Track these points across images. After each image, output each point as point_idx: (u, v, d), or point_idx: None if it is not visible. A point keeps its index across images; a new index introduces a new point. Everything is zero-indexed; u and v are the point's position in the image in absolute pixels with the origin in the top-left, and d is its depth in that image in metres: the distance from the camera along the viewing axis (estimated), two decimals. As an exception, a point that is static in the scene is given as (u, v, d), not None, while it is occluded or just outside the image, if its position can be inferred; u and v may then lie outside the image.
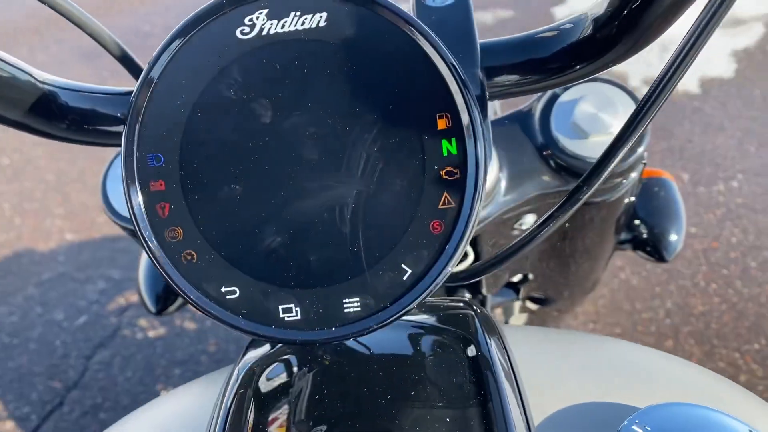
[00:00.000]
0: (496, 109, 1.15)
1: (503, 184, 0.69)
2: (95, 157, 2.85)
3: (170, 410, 0.54)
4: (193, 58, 0.37)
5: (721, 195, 2.62)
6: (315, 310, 0.37)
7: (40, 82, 0.46)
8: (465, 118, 0.36)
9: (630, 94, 0.71)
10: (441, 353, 0.47)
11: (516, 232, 0.76)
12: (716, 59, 3.41)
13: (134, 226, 0.37)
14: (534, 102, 0.73)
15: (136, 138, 0.37)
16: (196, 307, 0.38)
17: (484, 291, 0.87)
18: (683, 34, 0.38)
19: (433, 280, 0.37)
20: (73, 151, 2.89)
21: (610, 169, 0.44)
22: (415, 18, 0.36)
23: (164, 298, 1.01)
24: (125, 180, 0.37)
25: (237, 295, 0.38)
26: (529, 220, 0.75)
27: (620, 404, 0.49)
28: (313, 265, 0.37)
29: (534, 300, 1.04)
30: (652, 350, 0.56)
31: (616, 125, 0.67)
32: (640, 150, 0.70)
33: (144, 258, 1.08)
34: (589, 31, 0.43)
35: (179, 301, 1.04)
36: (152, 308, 1.01)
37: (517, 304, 1.06)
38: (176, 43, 0.37)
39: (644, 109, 0.41)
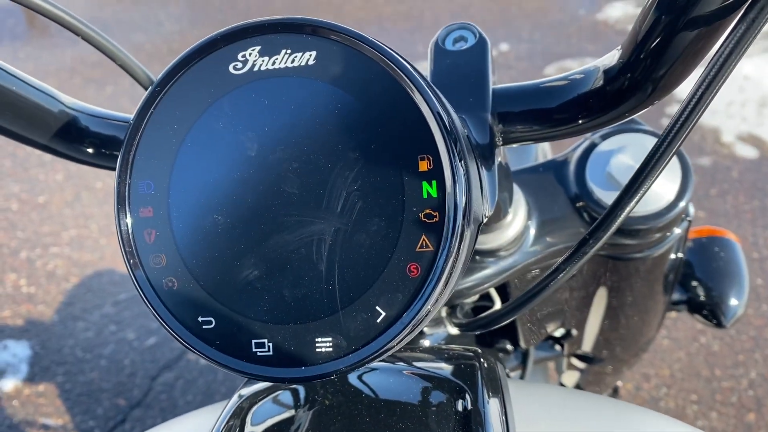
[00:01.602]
0: (545, 151, 1.12)
1: (532, 232, 0.67)
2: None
3: None
4: (187, 91, 0.38)
5: (818, 260, 2.45)
6: (287, 348, 0.37)
7: (66, 106, 0.48)
8: (446, 161, 0.35)
9: None
10: (434, 402, 0.46)
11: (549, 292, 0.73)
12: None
13: (121, 248, 0.39)
14: (570, 151, 0.71)
15: (130, 164, 0.39)
16: (171, 334, 0.38)
17: (522, 343, 0.84)
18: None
19: (406, 325, 0.35)
20: (160, 178, 3.04)
21: (618, 223, 0.42)
22: (404, 61, 0.36)
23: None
24: (116, 204, 0.38)
25: (212, 325, 0.38)
26: None
27: None
28: (288, 301, 0.37)
29: (580, 358, 0.99)
30: (684, 425, 0.52)
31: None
32: (682, 204, 0.66)
33: None
34: (600, 83, 0.42)
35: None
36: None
37: (564, 361, 1.01)
38: (173, 76, 0.38)
39: (651, 162, 0.39)
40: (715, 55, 0.35)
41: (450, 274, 0.35)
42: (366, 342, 0.36)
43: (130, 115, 0.50)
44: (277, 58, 0.37)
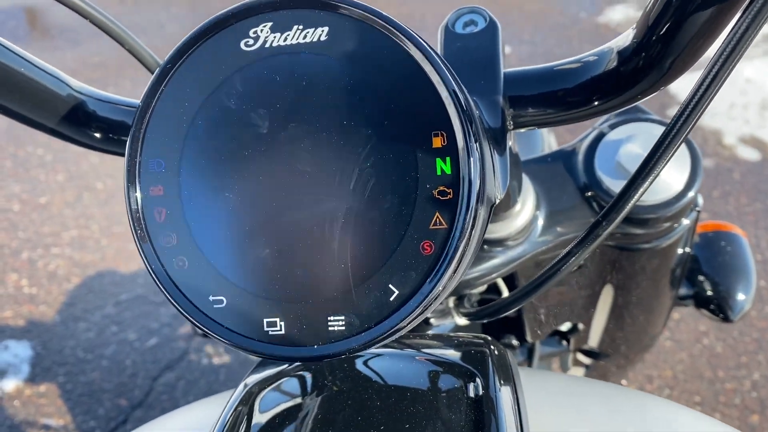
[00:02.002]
0: (551, 143, 1.12)
1: (540, 222, 0.66)
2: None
3: (181, 423, 0.55)
4: (198, 68, 0.38)
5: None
6: (299, 326, 0.36)
7: (74, 90, 0.48)
8: (460, 137, 0.34)
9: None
10: (446, 388, 0.45)
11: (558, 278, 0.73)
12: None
13: (131, 227, 0.38)
14: (579, 140, 0.71)
15: (140, 142, 0.38)
16: (182, 314, 0.38)
17: (528, 338, 0.83)
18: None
19: (420, 303, 0.35)
20: (161, 179, 3.04)
21: (633, 202, 0.41)
22: (419, 37, 0.36)
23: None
24: (126, 182, 0.38)
25: (224, 305, 0.37)
26: None
27: None
28: (300, 279, 0.36)
29: (586, 353, 0.99)
30: (691, 411, 0.51)
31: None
32: (691, 194, 0.66)
33: None
34: (613, 65, 0.42)
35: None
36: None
37: (570, 356, 1.01)
38: (183, 54, 0.38)
39: (662, 145, 0.39)
40: (728, 36, 0.34)
41: (464, 252, 0.35)
42: (379, 320, 0.36)
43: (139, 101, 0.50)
44: (288, 34, 0.37)
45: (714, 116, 3.28)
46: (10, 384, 2.17)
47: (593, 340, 0.92)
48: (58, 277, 2.58)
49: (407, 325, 0.35)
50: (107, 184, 3.05)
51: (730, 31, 0.34)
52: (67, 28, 4.60)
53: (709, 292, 0.87)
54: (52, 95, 0.47)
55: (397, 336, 0.36)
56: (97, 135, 0.49)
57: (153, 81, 0.38)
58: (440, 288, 0.35)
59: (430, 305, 0.35)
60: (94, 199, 2.98)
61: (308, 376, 0.48)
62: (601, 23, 4.33)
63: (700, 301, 0.88)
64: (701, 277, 0.88)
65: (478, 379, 0.45)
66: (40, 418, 2.07)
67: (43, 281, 2.57)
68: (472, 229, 0.35)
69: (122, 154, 0.50)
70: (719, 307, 0.87)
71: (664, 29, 0.38)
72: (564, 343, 0.95)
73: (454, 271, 0.35)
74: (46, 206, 2.95)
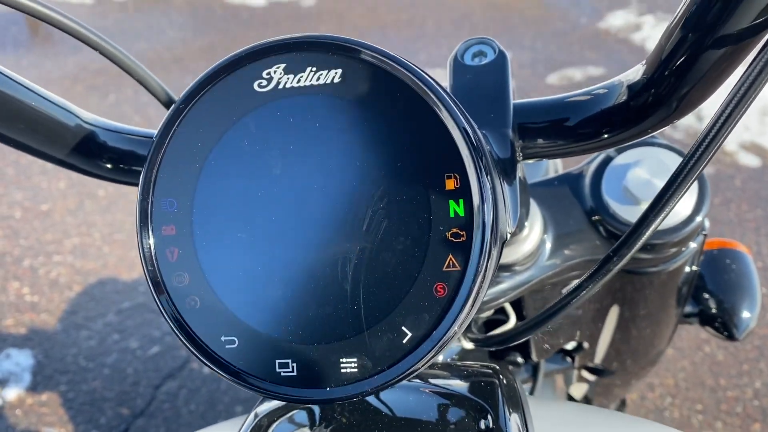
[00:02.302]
0: (557, 164, 1.12)
1: (548, 246, 0.66)
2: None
3: None
4: (212, 108, 0.38)
5: (822, 270, 2.45)
6: (311, 368, 0.37)
7: (84, 122, 0.48)
8: (474, 181, 0.35)
9: None
10: (455, 420, 0.45)
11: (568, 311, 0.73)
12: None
13: (143, 267, 0.38)
14: (586, 164, 0.71)
15: (153, 182, 0.38)
16: (194, 354, 0.38)
17: (533, 357, 0.83)
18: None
19: (434, 346, 0.35)
20: (163, 186, 3.04)
21: (642, 241, 0.41)
22: (430, 78, 0.36)
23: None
24: (139, 222, 0.38)
25: (236, 345, 0.37)
26: None
27: None
28: (313, 320, 0.36)
29: (590, 370, 0.99)
30: None
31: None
32: (699, 219, 0.66)
33: None
34: (623, 98, 0.42)
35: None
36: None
37: (575, 374, 1.01)
38: (197, 93, 0.38)
39: (677, 180, 0.39)
40: (743, 75, 0.34)
41: (477, 293, 0.35)
42: (392, 363, 0.36)
43: (149, 130, 0.50)
44: (302, 76, 0.37)
45: (715, 122, 3.29)
46: (12, 393, 2.17)
47: (598, 357, 0.92)
48: (59, 285, 2.58)
49: (421, 367, 0.36)
50: (109, 192, 3.05)
51: (747, 68, 0.34)
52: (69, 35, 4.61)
53: (714, 310, 0.87)
54: (61, 127, 0.47)
55: (410, 378, 0.36)
56: (108, 166, 0.49)
57: (166, 121, 0.38)
58: (454, 329, 0.35)
59: (445, 346, 0.35)
60: (96, 206, 2.98)
61: (318, 408, 0.48)
62: (602, 29, 4.34)
63: (705, 319, 0.88)
64: (706, 295, 0.88)
65: (488, 413, 0.45)
66: (41, 427, 2.07)
67: (44, 289, 2.57)
68: (486, 270, 0.35)
69: (132, 184, 0.50)
70: (724, 325, 0.87)
71: (677, 65, 0.38)
72: (568, 360, 0.95)
73: (468, 312, 0.35)
74: (48, 214, 2.95)
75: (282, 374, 0.37)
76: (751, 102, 0.35)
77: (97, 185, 3.09)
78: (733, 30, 0.34)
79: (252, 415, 0.49)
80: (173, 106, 0.38)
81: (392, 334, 0.36)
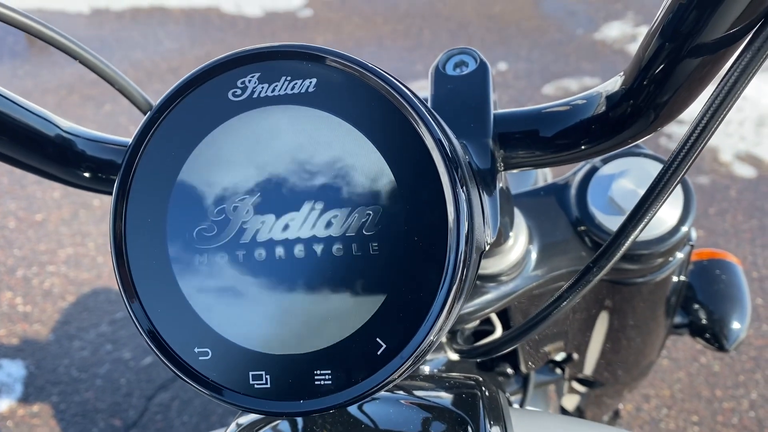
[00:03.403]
0: (546, 174, 1.12)
1: (533, 256, 0.66)
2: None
3: None
4: (187, 116, 0.38)
5: (818, 278, 2.45)
6: (285, 380, 0.36)
7: (62, 130, 0.48)
8: (448, 191, 0.34)
9: None
10: (435, 434, 0.45)
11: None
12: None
13: (115, 274, 0.38)
14: (572, 174, 0.71)
15: (127, 189, 0.38)
16: (166, 365, 0.37)
17: (522, 368, 0.83)
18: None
19: (408, 357, 0.35)
20: (158, 196, 3.04)
21: (622, 251, 0.41)
22: (404, 87, 0.36)
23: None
24: (112, 230, 0.38)
25: (209, 356, 0.37)
26: None
27: None
28: (287, 331, 0.36)
29: (581, 381, 0.98)
30: None
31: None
32: (684, 229, 0.66)
33: None
34: (602, 109, 0.42)
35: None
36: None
37: (565, 385, 1.00)
38: (172, 101, 0.38)
39: (656, 189, 0.38)
40: (720, 83, 0.34)
41: (453, 303, 0.34)
42: (366, 375, 0.35)
43: (128, 139, 0.50)
44: (276, 85, 0.37)
45: (710, 133, 3.29)
46: (3, 404, 2.16)
47: (588, 368, 0.91)
48: (53, 295, 2.57)
49: (396, 378, 0.35)
50: (104, 201, 3.05)
51: (724, 77, 0.34)
52: (65, 44, 4.62)
53: (704, 321, 0.87)
54: (39, 136, 0.47)
55: (385, 389, 0.36)
56: (86, 175, 0.49)
57: (141, 128, 0.38)
58: (430, 339, 0.34)
59: (420, 358, 0.35)
60: (91, 216, 2.97)
61: (299, 419, 0.47)
62: (598, 40, 4.36)
63: (695, 330, 0.88)
64: (696, 306, 0.88)
65: (468, 425, 0.44)
66: (33, 439, 2.06)
67: (37, 299, 2.56)
68: (461, 281, 0.34)
69: (110, 193, 0.50)
70: (714, 336, 0.86)
71: (655, 75, 0.38)
72: (558, 371, 0.95)
73: (443, 323, 0.35)
74: (42, 223, 2.95)
75: (256, 386, 0.36)
76: (728, 111, 0.34)
77: (92, 195, 3.08)
78: (709, 39, 0.34)
79: (233, 425, 0.49)
80: (148, 113, 0.38)
81: (367, 346, 0.35)
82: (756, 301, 2.40)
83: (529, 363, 0.82)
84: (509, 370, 0.88)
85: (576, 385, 0.99)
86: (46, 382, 2.24)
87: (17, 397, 2.18)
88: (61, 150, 0.48)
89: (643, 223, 0.40)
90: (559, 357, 0.90)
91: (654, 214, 0.40)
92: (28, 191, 3.14)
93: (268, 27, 4.80)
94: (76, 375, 2.26)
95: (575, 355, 0.88)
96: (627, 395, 2.10)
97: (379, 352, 0.35)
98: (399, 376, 0.35)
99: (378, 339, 0.35)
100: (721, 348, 0.86)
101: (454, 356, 0.65)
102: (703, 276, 0.88)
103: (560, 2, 5.00)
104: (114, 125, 3.60)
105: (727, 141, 3.26)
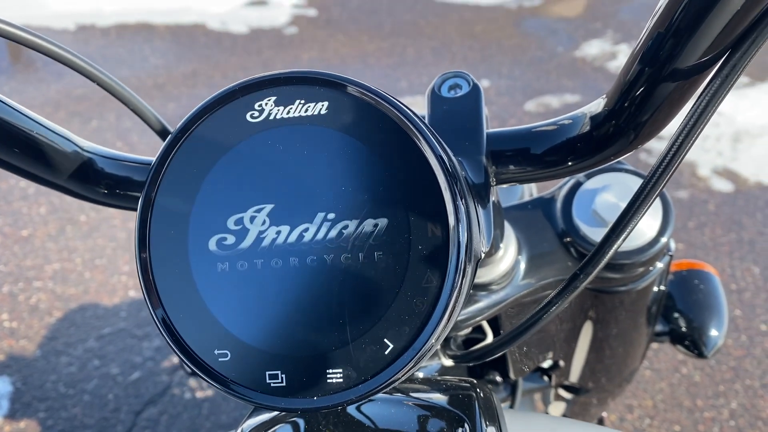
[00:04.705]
0: (531, 189, 1.17)
1: (522, 266, 0.70)
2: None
3: None
4: (207, 136, 0.41)
5: (796, 290, 2.51)
6: (300, 379, 0.39)
7: (81, 149, 0.51)
8: (449, 203, 0.38)
9: None
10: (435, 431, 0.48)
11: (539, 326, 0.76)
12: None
13: (140, 283, 0.41)
14: (557, 189, 0.75)
15: (152, 203, 0.41)
16: (188, 366, 0.40)
17: (511, 375, 0.86)
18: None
19: (414, 355, 0.38)
20: (145, 212, 3.04)
21: (606, 259, 0.45)
22: (409, 110, 0.39)
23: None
24: (137, 241, 0.41)
25: (228, 358, 0.40)
26: None
27: None
28: (301, 334, 0.39)
29: (567, 388, 1.02)
30: None
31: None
32: (664, 240, 0.70)
33: None
34: (587, 129, 0.45)
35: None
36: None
37: (552, 392, 1.03)
38: (195, 122, 0.41)
39: (636, 204, 0.42)
40: (693, 105, 0.38)
41: (453, 307, 0.38)
42: (375, 373, 0.38)
43: (143, 157, 0.53)
44: (291, 108, 0.40)
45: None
46: (-10, 420, 2.15)
47: (574, 376, 0.95)
48: (39, 311, 2.56)
49: (402, 376, 0.38)
50: (90, 217, 3.05)
51: (697, 99, 0.38)
52: (51, 61, 4.60)
53: (684, 329, 0.91)
54: (59, 154, 0.49)
55: (391, 387, 0.39)
56: (104, 191, 0.52)
57: (165, 147, 0.41)
58: (432, 341, 0.38)
59: (424, 357, 0.38)
60: (77, 231, 2.97)
61: (302, 422, 0.50)
62: (578, 57, 4.44)
63: (676, 338, 0.92)
64: (676, 315, 0.92)
65: (465, 423, 0.47)
66: (19, 456, 2.05)
67: (24, 315, 2.55)
68: (461, 286, 0.38)
69: (127, 208, 0.53)
70: (693, 344, 0.90)
71: (635, 98, 0.41)
72: (545, 378, 0.98)
73: (445, 325, 0.38)
74: (29, 239, 2.94)
75: (272, 385, 0.39)
76: (701, 131, 0.38)
77: (78, 211, 3.08)
78: (684, 65, 0.38)
79: (239, 430, 0.51)
80: (172, 133, 0.41)
81: (375, 346, 0.38)
82: (735, 312, 2.46)
83: (518, 371, 0.85)
84: (498, 378, 0.92)
85: (562, 392, 1.03)
86: (33, 398, 2.23)
87: (3, 413, 2.17)
88: (80, 167, 0.50)
89: (626, 233, 0.43)
90: (546, 364, 0.93)
91: (635, 225, 0.43)
92: (13, 207, 3.14)
93: (254, 44, 4.84)
94: (63, 391, 2.26)
95: (562, 363, 0.91)
96: (611, 403, 2.13)
97: (386, 352, 0.38)
98: (405, 374, 0.38)
99: (386, 340, 0.38)
100: (701, 355, 0.90)
101: (448, 362, 0.68)
102: (683, 286, 0.93)
103: (541, 21, 5.10)
104: (101, 141, 3.60)
105: (704, 156, 3.34)
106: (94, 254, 2.84)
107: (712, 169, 3.25)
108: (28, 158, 0.48)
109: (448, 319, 0.38)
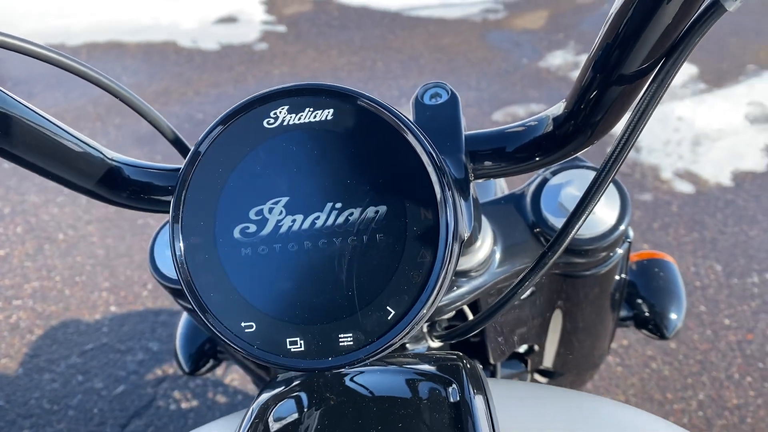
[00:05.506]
0: (503, 187, 1.25)
1: (498, 255, 0.78)
2: (142, 234, 3.02)
3: None
4: (229, 141, 0.48)
5: (756, 287, 2.61)
6: (316, 343, 0.46)
7: (108, 158, 0.57)
8: (438, 191, 0.45)
9: (613, 181, 0.81)
10: (429, 395, 0.55)
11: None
12: (749, 154, 3.47)
13: (176, 269, 0.47)
14: (527, 185, 0.83)
15: (182, 201, 0.48)
16: (220, 337, 0.47)
17: (491, 359, 0.93)
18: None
19: (412, 320, 0.45)
20: (122, 228, 3.07)
21: (569, 238, 0.52)
22: (402, 115, 0.47)
23: (197, 358, 1.11)
24: (171, 234, 0.47)
25: (254, 329, 0.47)
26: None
27: None
28: (316, 305, 0.46)
29: (542, 373, 1.10)
30: (639, 411, 0.62)
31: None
32: (622, 228, 0.78)
33: (182, 320, 1.18)
34: (550, 128, 0.53)
35: (211, 362, 1.13)
36: (186, 368, 1.10)
37: (528, 377, 1.11)
38: (217, 130, 0.48)
39: (591, 192, 0.50)
40: (636, 106, 0.46)
41: (444, 278, 0.45)
42: (380, 335, 0.46)
43: (166, 164, 0.59)
44: (302, 115, 0.47)
45: (651, 152, 3.50)
46: (-26, 439, 2.15)
47: (548, 360, 1.03)
48: (20, 329, 2.58)
49: (403, 337, 0.45)
50: (68, 235, 3.06)
51: (639, 100, 0.46)
52: (22, 80, 4.61)
53: (647, 314, 1.00)
54: (89, 163, 0.56)
55: (394, 348, 0.46)
56: (130, 196, 0.58)
57: (192, 154, 0.48)
58: (428, 305, 0.45)
59: (421, 321, 0.46)
60: (56, 249, 2.99)
61: (310, 394, 0.57)
62: (543, 68, 4.58)
63: (639, 322, 1.01)
64: (639, 300, 1.01)
65: (455, 386, 0.55)
66: (6, 473, 2.06)
67: (4, 334, 2.56)
68: (449, 261, 0.45)
69: (153, 210, 0.59)
70: (656, 327, 0.99)
71: (589, 99, 0.49)
72: (522, 364, 1.06)
73: (438, 293, 0.45)
74: (6, 258, 2.95)
75: (292, 350, 0.46)
76: (643, 128, 0.46)
77: (55, 230, 3.10)
78: (628, 72, 0.46)
79: (255, 403, 0.58)
80: (196, 142, 0.48)
81: (379, 313, 0.45)
82: (699, 308, 2.56)
83: (497, 355, 0.93)
84: (479, 365, 0.99)
85: (538, 377, 1.10)
86: (17, 415, 2.25)
87: (-12, 431, 2.19)
88: (108, 174, 0.57)
89: (585, 215, 0.51)
90: (522, 350, 1.01)
91: (592, 209, 0.51)
92: (-11, 227, 3.14)
93: (225, 61, 4.89)
94: (47, 407, 2.27)
95: (536, 348, 0.99)
96: (583, 388, 2.22)
97: (389, 317, 0.45)
98: (405, 336, 0.46)
99: (388, 307, 0.45)
100: (662, 336, 0.99)
101: (435, 343, 0.76)
102: (644, 274, 1.02)
103: (505, 34, 5.23)
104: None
105: (667, 160, 3.47)
106: (73, 272, 2.85)
107: (674, 172, 3.37)
108: (63, 166, 0.54)
109: (440, 289, 0.45)
